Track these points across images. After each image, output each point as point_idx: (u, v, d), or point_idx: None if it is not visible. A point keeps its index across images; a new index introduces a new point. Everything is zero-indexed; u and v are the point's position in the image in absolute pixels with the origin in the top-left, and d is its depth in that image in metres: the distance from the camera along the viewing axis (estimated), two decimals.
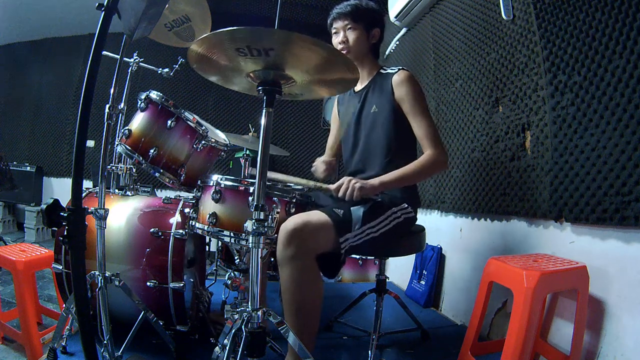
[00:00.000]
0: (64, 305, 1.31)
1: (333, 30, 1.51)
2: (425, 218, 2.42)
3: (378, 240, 1.28)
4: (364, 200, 1.31)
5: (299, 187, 1.32)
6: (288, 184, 1.36)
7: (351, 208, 1.26)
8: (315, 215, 1.20)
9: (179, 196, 1.62)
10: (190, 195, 1.50)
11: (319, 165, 1.64)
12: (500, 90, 1.75)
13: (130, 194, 1.58)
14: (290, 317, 1.16)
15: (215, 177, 1.24)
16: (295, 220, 1.15)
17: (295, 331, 1.08)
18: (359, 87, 1.58)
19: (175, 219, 1.43)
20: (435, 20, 2.42)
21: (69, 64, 4.13)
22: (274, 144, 3.05)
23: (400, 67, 1.48)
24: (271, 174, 1.39)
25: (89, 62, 0.83)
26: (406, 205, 1.39)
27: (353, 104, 1.58)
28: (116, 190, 1.60)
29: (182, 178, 1.48)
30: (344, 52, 1.47)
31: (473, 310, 1.40)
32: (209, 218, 1.21)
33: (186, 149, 1.47)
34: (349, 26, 1.47)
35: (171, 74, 1.98)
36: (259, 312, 0.93)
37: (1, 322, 1.54)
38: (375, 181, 1.31)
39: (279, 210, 1.21)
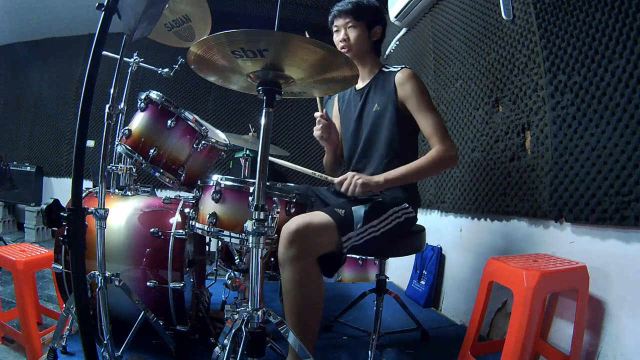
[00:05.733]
0: (64, 305, 1.31)
1: (334, 29, 1.50)
2: (426, 218, 2.42)
3: (379, 239, 1.28)
4: (365, 199, 1.31)
5: (307, 174, 1.34)
6: (294, 169, 1.38)
7: (353, 207, 1.26)
8: (317, 216, 1.19)
9: (179, 196, 1.62)
10: (190, 195, 1.49)
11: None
12: (500, 90, 1.75)
13: (130, 194, 1.58)
14: (291, 318, 1.15)
15: (215, 177, 1.24)
16: (297, 221, 1.15)
17: (296, 332, 1.08)
18: (360, 85, 1.57)
19: (175, 219, 1.43)
20: (435, 20, 2.42)
21: (69, 64, 4.13)
22: (274, 144, 3.05)
23: (403, 66, 1.47)
24: (280, 161, 1.42)
25: (89, 62, 0.83)
26: (407, 205, 1.38)
27: (354, 102, 1.57)
28: (116, 190, 1.59)
29: (182, 178, 1.48)
30: (344, 50, 1.46)
31: (473, 310, 1.40)
32: (209, 218, 1.21)
33: (186, 149, 1.47)
34: (350, 24, 1.45)
35: (171, 74, 1.98)
36: (259, 312, 0.93)
37: (1, 322, 1.54)
38: (380, 178, 1.30)
39: (278, 210, 1.20)
